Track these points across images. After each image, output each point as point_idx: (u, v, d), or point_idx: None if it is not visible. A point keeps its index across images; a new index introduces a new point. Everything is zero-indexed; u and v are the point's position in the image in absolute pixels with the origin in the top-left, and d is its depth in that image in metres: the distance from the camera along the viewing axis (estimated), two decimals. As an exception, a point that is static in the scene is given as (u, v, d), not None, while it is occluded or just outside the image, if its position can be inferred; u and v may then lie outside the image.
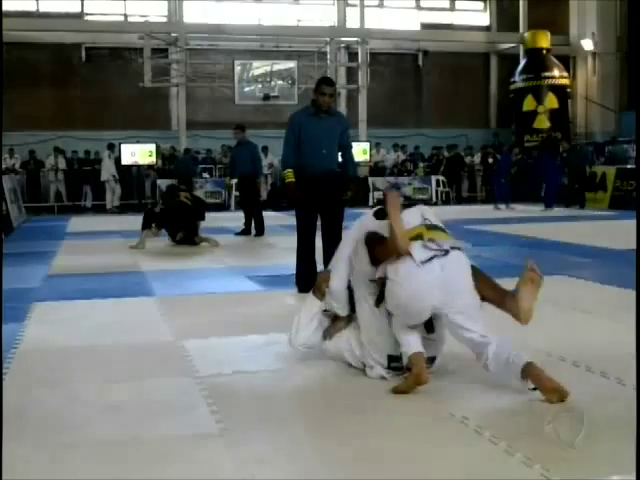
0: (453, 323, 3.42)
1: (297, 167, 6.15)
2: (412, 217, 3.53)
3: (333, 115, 6.34)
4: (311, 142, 6.12)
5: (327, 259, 6.12)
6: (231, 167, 12.70)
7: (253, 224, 11.70)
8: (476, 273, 3.50)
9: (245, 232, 11.72)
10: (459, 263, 3.44)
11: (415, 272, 3.34)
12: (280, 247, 9.91)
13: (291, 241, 10.59)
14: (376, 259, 3.51)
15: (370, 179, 19.79)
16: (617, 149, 19.62)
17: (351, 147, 6.51)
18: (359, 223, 3.81)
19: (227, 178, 13.80)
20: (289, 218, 15.89)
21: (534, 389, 3.26)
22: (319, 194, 6.13)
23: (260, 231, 11.59)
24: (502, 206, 17.28)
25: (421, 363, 3.41)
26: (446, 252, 3.38)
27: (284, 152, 6.37)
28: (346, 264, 3.69)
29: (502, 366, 3.33)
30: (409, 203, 3.77)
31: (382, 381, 3.57)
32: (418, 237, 3.41)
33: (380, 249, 3.49)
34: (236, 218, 15.51)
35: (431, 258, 3.35)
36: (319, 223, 6.33)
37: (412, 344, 3.44)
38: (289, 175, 6.19)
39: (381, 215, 3.60)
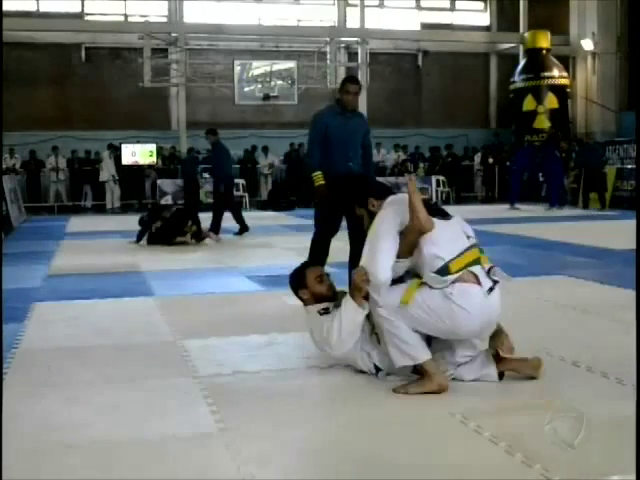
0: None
1: (322, 168, 5.94)
2: (454, 227, 3.48)
3: (358, 115, 6.18)
4: (338, 143, 5.93)
5: (356, 261, 5.98)
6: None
7: (237, 222, 11.72)
8: None
9: (242, 230, 11.69)
10: (500, 299, 3.42)
11: (481, 302, 3.30)
12: (280, 247, 9.92)
13: (291, 241, 10.65)
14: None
15: (370, 179, 19.76)
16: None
17: (372, 148, 6.39)
18: (394, 208, 3.54)
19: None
20: (289, 218, 15.93)
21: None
22: (344, 196, 5.77)
23: (216, 230, 11.19)
24: (518, 205, 17.10)
25: (438, 370, 3.40)
26: (496, 283, 3.38)
27: (310, 153, 6.13)
28: (392, 254, 3.40)
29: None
30: (443, 211, 3.61)
31: (382, 381, 3.57)
32: (476, 262, 3.37)
33: (404, 241, 3.41)
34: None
35: (491, 288, 3.33)
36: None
37: (421, 350, 3.39)
38: (318, 177, 5.93)
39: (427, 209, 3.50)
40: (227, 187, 11.66)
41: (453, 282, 3.29)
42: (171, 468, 2.65)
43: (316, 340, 3.69)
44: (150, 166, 19.22)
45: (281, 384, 3.65)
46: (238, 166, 20.28)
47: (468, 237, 3.48)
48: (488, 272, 3.36)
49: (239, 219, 11.74)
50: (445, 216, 3.53)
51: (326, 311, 3.66)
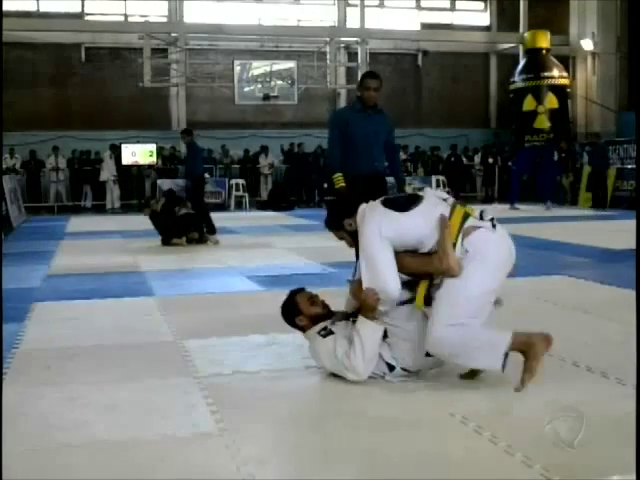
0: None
1: (343, 167, 5.68)
2: (431, 203, 3.49)
3: (380, 113, 5.90)
4: (359, 141, 5.68)
5: None
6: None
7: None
8: None
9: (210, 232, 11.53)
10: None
11: (494, 235, 3.40)
12: (280, 247, 9.92)
13: (291, 241, 10.66)
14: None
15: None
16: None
17: (398, 148, 6.09)
18: (370, 221, 3.48)
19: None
20: (289, 218, 15.93)
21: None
22: (367, 198, 5.65)
23: (211, 231, 11.06)
24: (518, 205, 17.15)
25: (525, 333, 3.37)
26: (494, 226, 3.45)
27: (330, 153, 5.93)
28: (393, 264, 3.39)
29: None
30: (414, 197, 3.62)
31: (381, 381, 3.56)
32: (465, 218, 3.42)
33: (414, 262, 3.41)
34: (234, 218, 15.53)
35: (493, 225, 3.43)
36: None
37: (500, 333, 3.37)
38: (339, 180, 5.66)
39: (399, 206, 3.52)
40: (198, 187, 11.60)
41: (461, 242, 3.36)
42: (171, 468, 2.65)
43: (324, 364, 3.59)
44: (150, 166, 19.23)
45: (281, 384, 3.65)
46: (238, 166, 20.32)
47: (445, 200, 3.53)
48: (481, 218, 3.45)
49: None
50: (418, 200, 3.53)
51: (326, 331, 3.58)
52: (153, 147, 18.95)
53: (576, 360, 3.89)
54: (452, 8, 23.15)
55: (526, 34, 21.82)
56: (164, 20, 21.24)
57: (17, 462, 2.65)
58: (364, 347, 3.44)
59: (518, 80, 21.33)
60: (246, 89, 20.01)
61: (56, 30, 19.64)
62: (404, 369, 3.57)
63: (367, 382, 3.58)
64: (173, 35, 20.53)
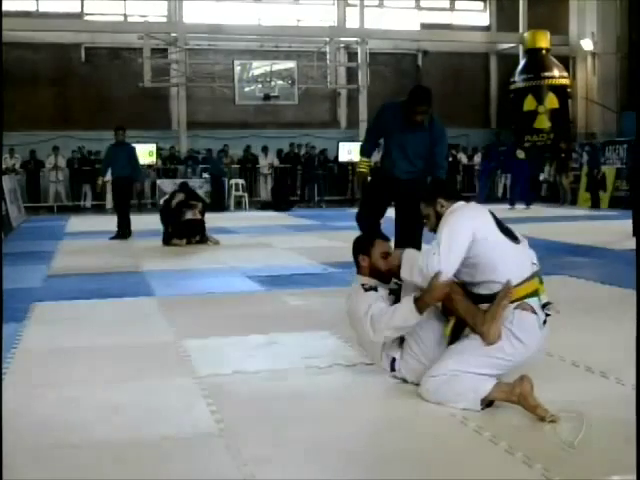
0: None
1: (379, 165, 5.84)
2: (522, 252, 3.38)
3: (423, 130, 5.72)
4: (397, 148, 5.73)
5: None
6: (105, 167, 12.41)
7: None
8: None
9: (120, 236, 11.31)
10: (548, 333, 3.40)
11: (538, 335, 3.29)
12: (280, 247, 9.91)
13: (291, 241, 10.66)
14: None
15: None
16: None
17: (441, 147, 5.83)
18: (469, 212, 3.36)
19: (99, 178, 13.05)
20: (289, 218, 15.94)
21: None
22: (394, 195, 5.73)
23: (128, 233, 11.35)
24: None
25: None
26: (545, 322, 3.33)
27: (364, 139, 6.08)
28: (462, 255, 3.24)
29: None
30: (512, 233, 3.42)
31: (381, 381, 3.56)
32: (534, 294, 3.31)
33: (463, 304, 3.28)
34: (234, 218, 15.52)
35: (544, 321, 3.32)
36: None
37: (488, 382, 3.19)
38: (362, 164, 5.84)
39: (503, 228, 3.38)
40: (126, 187, 11.76)
41: (514, 308, 3.25)
42: (171, 468, 2.65)
43: (354, 313, 3.54)
44: (149, 166, 19.23)
45: (281, 384, 3.65)
46: (238, 166, 20.32)
47: (532, 264, 3.41)
48: (543, 306, 3.33)
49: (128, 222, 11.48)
50: (514, 239, 3.40)
51: (372, 289, 3.54)
52: (153, 147, 18.95)
53: (576, 360, 3.89)
54: (452, 8, 23.16)
55: (526, 34, 21.85)
56: (164, 20, 21.25)
57: (17, 462, 2.64)
58: (392, 318, 3.32)
59: (518, 80, 21.35)
60: (246, 89, 20.03)
61: (56, 30, 19.67)
62: (403, 379, 3.55)
63: (367, 382, 3.59)
64: (173, 35, 20.55)
